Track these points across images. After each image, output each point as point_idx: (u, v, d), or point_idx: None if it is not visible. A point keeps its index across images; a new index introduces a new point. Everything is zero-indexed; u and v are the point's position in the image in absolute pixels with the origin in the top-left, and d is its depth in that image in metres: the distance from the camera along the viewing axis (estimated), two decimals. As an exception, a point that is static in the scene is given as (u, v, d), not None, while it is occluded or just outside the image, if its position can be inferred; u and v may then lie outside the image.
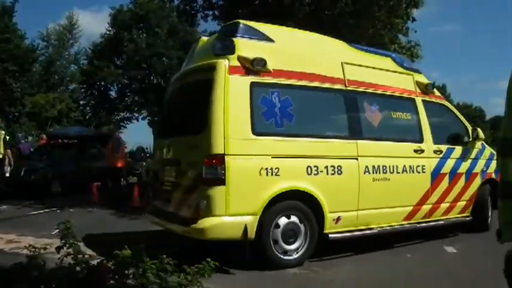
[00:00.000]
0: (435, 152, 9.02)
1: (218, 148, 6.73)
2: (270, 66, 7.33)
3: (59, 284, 3.99)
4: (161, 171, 8.33)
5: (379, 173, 8.09)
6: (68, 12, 70.40)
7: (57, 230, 4.51)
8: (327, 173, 7.48)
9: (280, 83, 7.46)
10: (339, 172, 7.60)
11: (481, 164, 9.78)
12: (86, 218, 12.04)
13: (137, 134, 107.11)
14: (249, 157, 6.95)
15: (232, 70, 7.07)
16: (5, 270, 4.30)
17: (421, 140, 8.88)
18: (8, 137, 15.07)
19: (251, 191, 6.91)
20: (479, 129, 9.91)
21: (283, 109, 7.33)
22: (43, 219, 11.94)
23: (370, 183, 7.96)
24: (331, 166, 7.53)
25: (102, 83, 48.84)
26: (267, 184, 6.98)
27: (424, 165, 8.75)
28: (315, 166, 7.36)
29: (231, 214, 6.76)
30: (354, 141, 7.92)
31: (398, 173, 8.34)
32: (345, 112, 8.14)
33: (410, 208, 8.57)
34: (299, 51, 7.97)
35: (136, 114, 52.15)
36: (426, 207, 8.81)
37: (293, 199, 7.26)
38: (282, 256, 7.14)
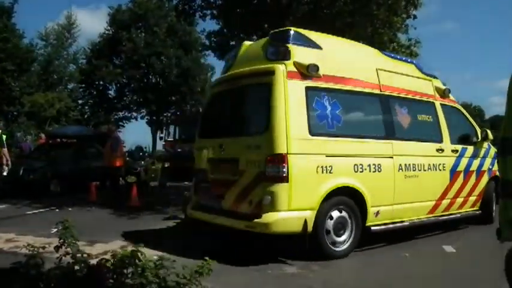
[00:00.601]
0: (452, 151, 9.91)
1: (281, 148, 7.27)
2: (320, 71, 7.93)
3: (57, 283, 3.99)
4: (210, 170, 8.75)
5: (410, 170, 8.85)
6: (67, 11, 70.32)
7: (55, 229, 4.51)
8: (370, 171, 8.17)
9: (329, 88, 8.08)
10: (379, 170, 8.31)
11: (488, 162, 10.67)
12: (84, 217, 12.03)
13: (136, 133, 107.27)
14: (307, 156, 7.52)
15: (289, 75, 7.63)
16: (4, 270, 4.30)
17: (441, 140, 9.75)
18: (4, 136, 15.01)
19: (310, 187, 7.46)
20: (488, 131, 10.78)
21: (333, 112, 7.97)
22: (42, 218, 11.94)
23: (403, 179, 8.69)
24: (373, 164, 8.24)
25: (101, 83, 48.93)
26: (323, 181, 7.58)
27: (444, 164, 9.61)
28: (360, 164, 8.04)
29: (293, 209, 7.28)
30: (389, 141, 8.66)
31: (425, 170, 9.16)
32: (382, 115, 8.89)
33: (433, 202, 9.42)
34: (342, 58, 8.66)
35: (135, 114, 52.22)
36: (446, 202, 9.68)
37: (342, 195, 7.87)
38: (332, 247, 7.72)
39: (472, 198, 10.36)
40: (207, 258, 4.49)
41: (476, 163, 10.42)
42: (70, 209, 13.59)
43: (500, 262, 7.12)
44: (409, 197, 8.79)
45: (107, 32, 49.30)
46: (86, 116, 48.88)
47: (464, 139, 10.35)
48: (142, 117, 52.96)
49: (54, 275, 4.10)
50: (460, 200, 10.02)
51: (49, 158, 18.94)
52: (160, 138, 27.65)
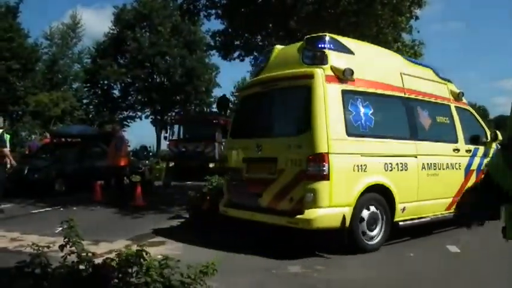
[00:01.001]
0: (466, 151, 10.45)
1: (322, 147, 7.71)
2: (354, 75, 8.38)
3: (62, 283, 4.00)
4: (245, 169, 9.05)
5: (431, 169, 9.40)
6: (72, 11, 70.41)
7: (60, 229, 4.51)
8: (397, 170, 8.70)
9: (362, 91, 8.57)
10: (405, 168, 8.84)
11: None
12: (89, 216, 12.05)
13: (140, 132, 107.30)
14: (345, 155, 7.98)
15: (327, 79, 8.08)
16: (9, 269, 4.31)
17: (456, 141, 10.30)
18: (8, 136, 14.98)
19: (348, 185, 7.94)
20: (498, 132, 10.96)
21: (365, 114, 8.46)
22: (46, 217, 11.97)
23: (426, 178, 9.23)
24: (400, 163, 8.75)
25: (106, 82, 48.99)
26: (359, 179, 8.09)
27: (460, 163, 10.16)
28: (389, 163, 8.57)
29: (333, 206, 7.74)
30: (413, 141, 9.20)
31: (443, 169, 9.72)
32: (406, 117, 9.41)
33: (450, 199, 9.81)
34: (372, 63, 9.21)
35: (140, 113, 52.27)
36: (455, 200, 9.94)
37: (374, 192, 8.36)
38: (365, 241, 8.19)
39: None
40: (212, 258, 4.50)
41: (486, 162, 10.71)
42: (75, 208, 13.61)
43: (504, 262, 7.14)
44: (430, 194, 9.29)
45: (111, 31, 49.36)
46: (90, 115, 48.93)
47: (475, 139, 10.76)
48: (146, 117, 53.05)
49: (59, 274, 4.10)
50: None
51: (54, 157, 18.98)
52: (165, 137, 27.65)
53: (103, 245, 8.66)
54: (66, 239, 4.42)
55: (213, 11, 21.28)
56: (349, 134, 8.06)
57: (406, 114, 9.41)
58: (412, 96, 9.63)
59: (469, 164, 10.40)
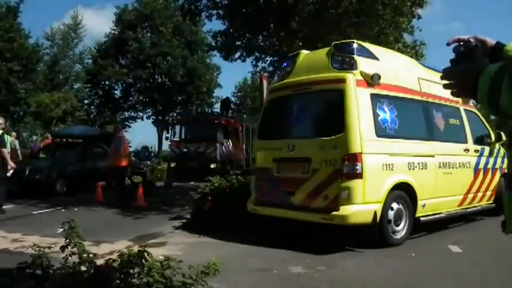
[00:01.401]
0: (475, 151, 11.04)
1: (356, 148, 8.17)
2: (380, 80, 8.83)
3: (63, 284, 3.99)
4: (275, 168, 9.37)
5: (446, 168, 9.95)
6: (73, 11, 70.49)
7: (61, 229, 4.50)
8: (419, 168, 9.21)
9: (387, 95, 9.05)
10: (425, 167, 9.35)
11: (499, 161, 11.65)
12: (90, 217, 12.05)
13: (142, 133, 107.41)
14: (376, 155, 8.47)
15: (358, 83, 8.53)
16: (10, 270, 4.30)
17: (466, 141, 10.91)
18: (9, 137, 14.95)
19: (378, 183, 8.42)
20: (502, 133, 11.49)
21: (391, 116, 8.96)
22: (48, 218, 11.96)
23: (442, 176, 9.75)
24: (421, 162, 9.26)
25: (107, 82, 49.02)
26: (387, 177, 8.57)
27: (469, 162, 10.75)
28: (412, 162, 9.08)
29: (366, 203, 8.19)
30: (431, 142, 9.74)
31: (456, 168, 10.26)
32: (424, 119, 9.99)
33: (462, 196, 10.46)
34: (395, 68, 9.71)
35: (141, 114, 52.32)
36: (470, 196, 10.72)
37: (400, 189, 8.82)
38: (392, 236, 8.66)
39: (489, 193, 11.32)
40: (213, 258, 4.49)
41: (491, 162, 11.45)
42: (76, 209, 13.60)
43: (506, 262, 7.12)
44: (445, 192, 9.79)
45: (113, 31, 49.41)
46: (91, 116, 48.97)
47: (481, 140, 11.38)
48: (148, 117, 53.13)
49: (60, 275, 4.10)
50: (480, 194, 11.04)
51: (55, 158, 18.99)
52: (166, 138, 27.68)
53: (104, 245, 8.66)
54: (67, 240, 4.41)
55: (215, 12, 21.29)
56: (378, 135, 8.56)
57: (424, 116, 9.98)
58: (429, 99, 10.14)
59: (477, 164, 10.97)
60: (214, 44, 24.91)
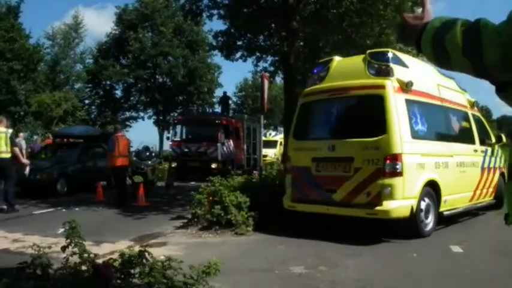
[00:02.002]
0: (481, 151, 11.98)
1: (397, 149, 8.92)
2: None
3: (64, 283, 3.98)
4: (314, 167, 9.92)
5: (462, 167, 10.83)
6: (74, 11, 70.44)
7: (62, 229, 4.50)
8: (443, 167, 10.10)
9: (417, 100, 9.86)
10: (447, 167, 10.24)
11: (498, 161, 12.71)
12: (91, 217, 12.07)
13: (143, 133, 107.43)
14: (412, 155, 9.20)
15: (395, 89, 9.29)
16: (10, 269, 4.29)
17: (474, 143, 11.83)
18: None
19: (414, 180, 9.21)
20: (503, 135, 13.21)
21: (421, 119, 9.73)
22: (48, 218, 11.97)
23: (459, 174, 10.66)
24: (444, 162, 10.15)
25: (108, 82, 49.00)
26: (421, 175, 9.40)
27: (477, 161, 11.73)
28: (438, 162, 9.96)
29: (405, 198, 8.95)
30: (450, 143, 10.65)
31: (468, 167, 11.16)
32: (444, 122, 11.01)
33: (472, 193, 11.30)
34: (421, 75, 10.34)
35: (142, 114, 52.31)
36: (478, 192, 11.57)
37: (429, 186, 9.62)
38: (423, 228, 9.44)
39: (491, 190, 12.21)
40: (214, 258, 4.48)
41: (492, 161, 12.44)
42: (77, 209, 13.62)
43: (507, 262, 7.10)
44: (461, 188, 10.62)
45: (113, 31, 49.39)
46: (92, 115, 48.96)
47: (484, 141, 12.30)
48: (149, 117, 53.11)
49: (61, 275, 4.09)
50: (485, 191, 11.91)
51: (56, 158, 19.00)
52: (167, 138, 27.69)
53: (105, 245, 8.66)
54: (68, 240, 4.40)
55: (215, 11, 21.25)
56: (412, 137, 9.34)
57: (444, 120, 10.97)
58: (446, 104, 11.08)
59: (483, 163, 11.94)
60: (215, 44, 24.92)
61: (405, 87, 9.46)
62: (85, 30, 48.09)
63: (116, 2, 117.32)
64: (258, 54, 25.82)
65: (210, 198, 10.48)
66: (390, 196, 8.81)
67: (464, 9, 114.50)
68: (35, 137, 30.27)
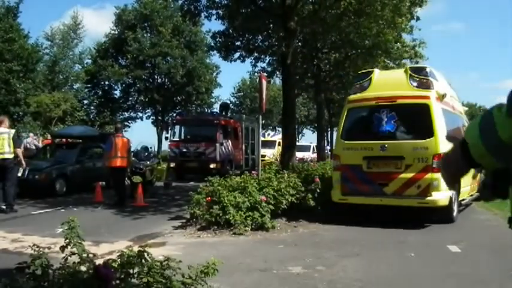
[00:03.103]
0: None
1: (441, 148, 10.23)
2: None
3: (63, 284, 4.00)
4: (365, 165, 11.28)
5: None
6: (73, 11, 70.33)
7: (61, 230, 4.50)
8: None
9: (445, 108, 11.71)
10: None
11: None
12: (90, 217, 12.07)
13: (141, 133, 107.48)
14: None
15: (436, 99, 11.18)
16: (9, 270, 4.30)
17: None
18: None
19: None
20: None
21: (447, 125, 10.86)
22: (47, 218, 11.97)
23: None
24: None
25: (107, 83, 49.00)
26: None
27: None
28: None
29: (446, 190, 10.30)
30: None
31: None
32: (455, 126, 11.48)
33: (470, 186, 12.67)
34: (444, 87, 12.44)
35: (141, 114, 52.32)
36: (472, 186, 12.83)
37: None
38: (453, 214, 11.30)
39: (476, 184, 13.07)
40: (212, 257, 4.49)
41: None
42: (75, 209, 13.62)
43: (504, 262, 7.12)
44: (465, 183, 11.53)
45: (112, 32, 49.40)
46: (91, 116, 48.95)
47: None
48: (147, 118, 53.13)
49: (60, 275, 4.10)
50: (474, 185, 12.97)
51: (54, 158, 19.00)
52: (166, 138, 27.71)
53: (104, 245, 8.67)
54: (66, 240, 4.41)
55: (214, 12, 21.27)
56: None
57: (455, 124, 11.57)
58: (456, 112, 13.11)
59: None
60: (213, 44, 24.96)
61: (441, 98, 11.48)
62: (84, 30, 48.10)
63: (114, 2, 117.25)
64: (256, 54, 25.87)
65: (209, 198, 10.50)
66: (437, 188, 10.45)
67: (464, 9, 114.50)
68: (34, 137, 30.18)
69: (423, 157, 10.66)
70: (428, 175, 10.57)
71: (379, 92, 11.65)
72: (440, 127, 10.71)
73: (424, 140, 10.78)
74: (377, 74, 12.39)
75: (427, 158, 10.61)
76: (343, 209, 11.77)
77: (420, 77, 11.47)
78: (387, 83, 12.00)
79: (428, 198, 10.56)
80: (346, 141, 11.78)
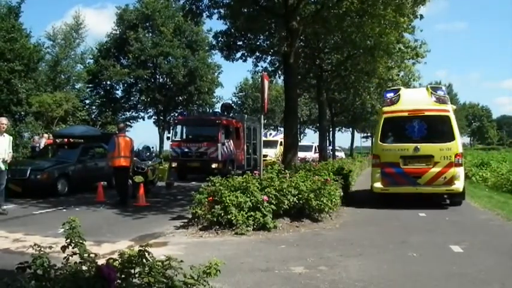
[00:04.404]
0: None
1: (460, 149, 14.31)
2: None
3: (64, 284, 3.98)
4: (402, 162, 14.33)
5: None
6: (75, 11, 70.26)
7: (62, 229, 4.49)
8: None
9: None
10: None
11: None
12: (91, 217, 12.08)
13: (143, 133, 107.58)
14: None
15: (452, 112, 14.61)
16: (11, 269, 4.29)
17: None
18: (10, 137, 14.75)
19: (463, 169, 15.21)
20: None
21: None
22: (49, 218, 11.97)
23: None
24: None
25: (108, 82, 49.02)
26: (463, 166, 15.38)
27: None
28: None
29: (462, 180, 14.38)
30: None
31: None
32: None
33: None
34: (446, 100, 15.23)
35: (142, 114, 52.34)
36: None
37: None
38: (465, 197, 15.26)
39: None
40: (214, 258, 4.48)
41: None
42: (77, 209, 13.63)
43: (506, 262, 7.09)
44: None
45: (114, 32, 49.42)
46: (93, 116, 48.95)
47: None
48: (149, 117, 53.17)
49: (61, 275, 4.09)
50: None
51: (56, 158, 19.00)
52: (168, 138, 27.73)
53: (106, 245, 8.66)
54: (68, 240, 4.40)
55: (216, 11, 21.25)
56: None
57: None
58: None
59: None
60: (215, 44, 24.94)
61: (454, 111, 14.89)
62: (86, 30, 48.09)
63: (116, 1, 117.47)
64: (258, 54, 25.84)
65: (211, 198, 10.48)
66: (458, 179, 14.07)
67: (465, 8, 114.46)
68: (36, 137, 30.17)
69: (447, 156, 14.02)
70: (452, 169, 13.97)
71: (409, 105, 14.80)
72: (457, 133, 14.40)
73: (448, 143, 14.12)
74: (403, 90, 15.95)
75: (450, 156, 14.01)
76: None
77: (438, 94, 14.98)
78: (414, 98, 15.41)
79: (453, 186, 14.03)
80: (384, 144, 14.83)
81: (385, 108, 15.24)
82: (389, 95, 15.67)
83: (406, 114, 14.70)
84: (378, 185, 14.63)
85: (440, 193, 14.68)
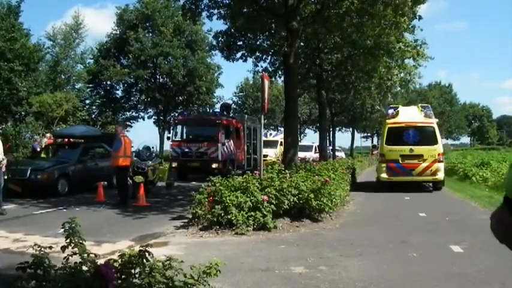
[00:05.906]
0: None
1: (441, 150, 19.80)
2: None
3: (64, 284, 3.99)
4: (401, 159, 19.34)
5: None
6: (75, 11, 70.28)
7: (62, 230, 4.49)
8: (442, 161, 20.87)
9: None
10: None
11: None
12: (92, 217, 12.08)
13: (143, 133, 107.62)
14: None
15: (436, 124, 20.35)
16: (11, 269, 4.29)
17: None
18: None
19: (443, 164, 20.65)
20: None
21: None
22: (49, 218, 11.97)
23: None
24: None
25: (108, 82, 49.03)
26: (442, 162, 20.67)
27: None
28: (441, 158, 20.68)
29: (443, 172, 19.93)
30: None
31: None
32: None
33: None
34: (431, 115, 20.92)
35: (142, 114, 52.37)
36: None
37: None
38: (444, 184, 21.33)
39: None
40: (215, 258, 4.48)
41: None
42: (77, 209, 13.63)
43: (507, 262, 7.11)
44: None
45: (114, 32, 49.45)
46: (93, 116, 48.96)
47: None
48: (149, 117, 53.21)
49: (61, 275, 4.09)
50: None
51: (56, 158, 19.01)
52: (168, 138, 27.76)
53: (106, 245, 8.67)
54: (68, 240, 4.40)
55: (215, 11, 21.25)
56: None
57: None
58: None
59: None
60: (215, 44, 24.95)
61: (437, 124, 20.38)
62: (86, 30, 48.08)
63: (115, 1, 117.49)
64: (258, 54, 25.84)
65: (211, 198, 10.48)
66: (440, 171, 19.34)
67: (465, 8, 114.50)
68: (37, 137, 30.13)
69: (433, 155, 19.19)
70: (436, 164, 19.16)
71: (405, 119, 20.08)
72: (440, 138, 20.04)
73: (433, 146, 19.36)
74: (401, 108, 21.47)
75: (435, 155, 19.19)
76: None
77: (425, 111, 20.48)
78: (408, 113, 20.69)
79: (437, 176, 19.36)
80: (388, 146, 19.87)
81: (388, 121, 20.57)
82: (391, 111, 21.11)
83: (403, 125, 19.94)
84: (384, 175, 19.83)
85: (427, 181, 20.21)
